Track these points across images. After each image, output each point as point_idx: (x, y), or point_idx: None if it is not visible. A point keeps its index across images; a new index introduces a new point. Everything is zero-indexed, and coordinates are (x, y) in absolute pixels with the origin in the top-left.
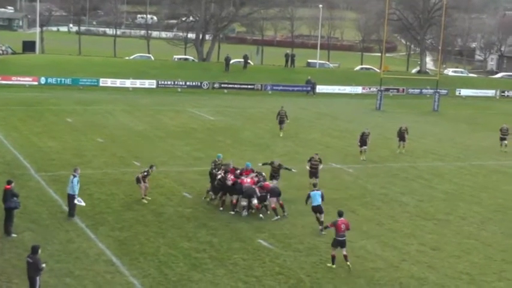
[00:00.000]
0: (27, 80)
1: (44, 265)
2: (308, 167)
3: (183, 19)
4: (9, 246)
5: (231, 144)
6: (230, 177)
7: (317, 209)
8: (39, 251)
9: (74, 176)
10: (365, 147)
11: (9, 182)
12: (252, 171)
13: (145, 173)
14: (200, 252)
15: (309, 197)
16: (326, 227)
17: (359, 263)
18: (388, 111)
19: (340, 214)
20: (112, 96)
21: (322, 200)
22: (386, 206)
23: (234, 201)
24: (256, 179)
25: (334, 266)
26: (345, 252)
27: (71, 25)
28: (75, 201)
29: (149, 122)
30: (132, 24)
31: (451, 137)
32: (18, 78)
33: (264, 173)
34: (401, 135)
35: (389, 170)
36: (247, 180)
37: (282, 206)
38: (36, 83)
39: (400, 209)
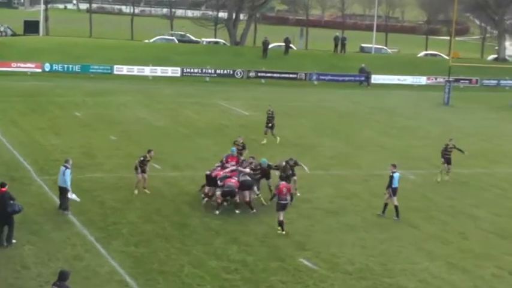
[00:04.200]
0: (29, 67)
1: None
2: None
3: None
4: (5, 261)
5: (268, 144)
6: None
7: (395, 191)
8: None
9: (66, 168)
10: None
11: (3, 185)
12: (238, 158)
13: (142, 159)
14: (231, 272)
15: (392, 178)
16: (273, 195)
17: None
18: (458, 106)
19: (282, 178)
20: (128, 86)
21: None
22: (454, 221)
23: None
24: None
25: (284, 232)
26: (281, 218)
27: (74, 1)
28: (69, 196)
29: (171, 117)
30: (153, 1)
31: None
32: (19, 65)
33: (253, 160)
34: (446, 156)
35: (458, 177)
36: (232, 179)
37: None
38: (39, 70)
39: (471, 225)
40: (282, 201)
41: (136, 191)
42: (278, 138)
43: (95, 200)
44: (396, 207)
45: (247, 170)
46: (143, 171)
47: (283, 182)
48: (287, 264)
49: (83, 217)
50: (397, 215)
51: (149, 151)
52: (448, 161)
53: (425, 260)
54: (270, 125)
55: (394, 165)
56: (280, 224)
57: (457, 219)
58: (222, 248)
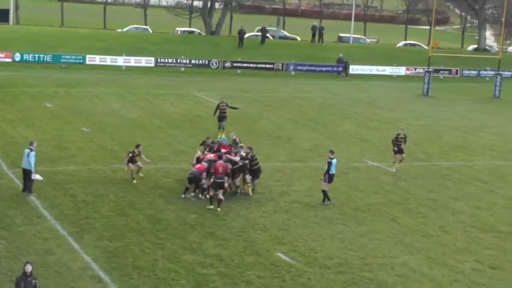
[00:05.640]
0: None
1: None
2: None
3: None
4: None
5: (245, 135)
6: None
7: (332, 178)
8: (29, 267)
9: (31, 150)
10: None
11: None
12: (230, 147)
13: (131, 155)
14: (206, 267)
15: (330, 164)
16: (211, 174)
17: (401, 283)
18: (438, 97)
19: (220, 157)
20: (101, 77)
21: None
22: (434, 214)
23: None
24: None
25: (212, 207)
26: (221, 196)
27: None
28: (32, 177)
29: (146, 108)
30: None
31: None
32: None
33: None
34: (397, 145)
35: (439, 170)
36: (197, 165)
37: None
38: (9, 60)
39: (452, 218)
40: (218, 180)
41: (135, 181)
42: (223, 135)
43: (67, 193)
44: (324, 192)
45: (232, 155)
46: (133, 162)
47: (220, 161)
48: (264, 259)
49: (55, 211)
50: (323, 201)
51: (137, 146)
52: (399, 151)
53: (404, 254)
54: (223, 116)
55: (332, 152)
56: (218, 201)
57: (437, 213)
58: (197, 242)
